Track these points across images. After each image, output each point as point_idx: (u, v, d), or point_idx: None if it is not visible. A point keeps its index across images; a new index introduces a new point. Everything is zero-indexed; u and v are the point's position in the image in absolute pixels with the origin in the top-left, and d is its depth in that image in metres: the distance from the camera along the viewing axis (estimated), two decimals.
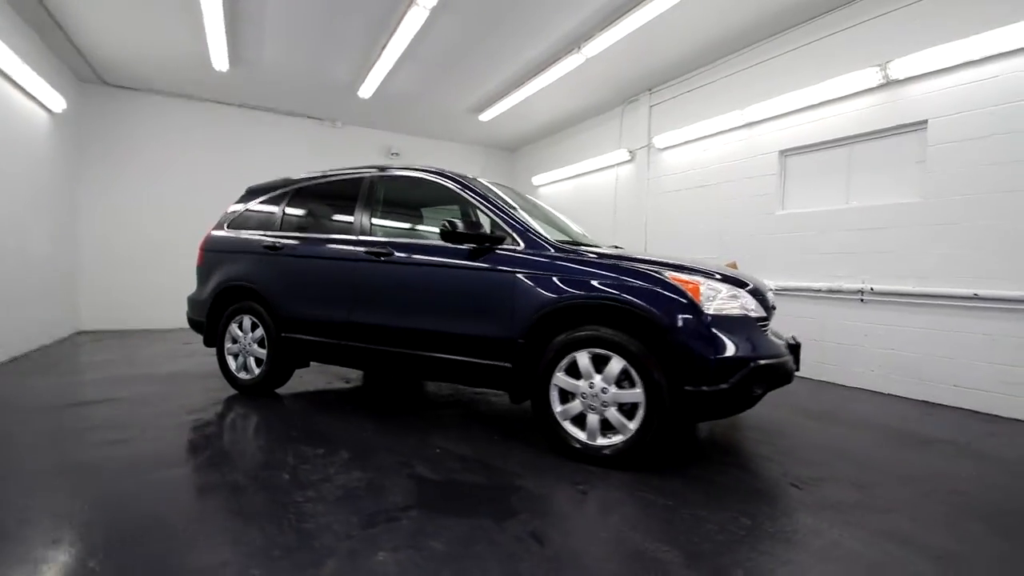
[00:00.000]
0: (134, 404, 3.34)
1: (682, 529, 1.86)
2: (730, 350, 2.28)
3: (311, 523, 1.83)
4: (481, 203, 2.96)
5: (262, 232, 3.73)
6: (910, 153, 4.16)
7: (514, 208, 2.97)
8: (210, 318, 3.84)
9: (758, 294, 2.61)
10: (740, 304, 2.46)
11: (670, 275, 2.40)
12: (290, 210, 3.73)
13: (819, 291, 4.70)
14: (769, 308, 2.67)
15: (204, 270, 3.99)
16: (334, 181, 3.64)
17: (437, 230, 3.78)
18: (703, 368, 2.25)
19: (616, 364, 2.37)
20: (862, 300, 4.41)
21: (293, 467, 2.35)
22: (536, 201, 3.84)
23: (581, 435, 2.48)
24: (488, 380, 2.76)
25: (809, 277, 4.79)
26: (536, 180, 9.02)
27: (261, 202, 3.92)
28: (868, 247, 4.37)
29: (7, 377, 4.05)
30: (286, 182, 3.87)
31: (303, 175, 3.85)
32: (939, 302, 3.89)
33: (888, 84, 4.20)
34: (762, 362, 2.32)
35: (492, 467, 2.43)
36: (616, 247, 3.14)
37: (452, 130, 8.77)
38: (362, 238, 3.23)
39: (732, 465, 2.57)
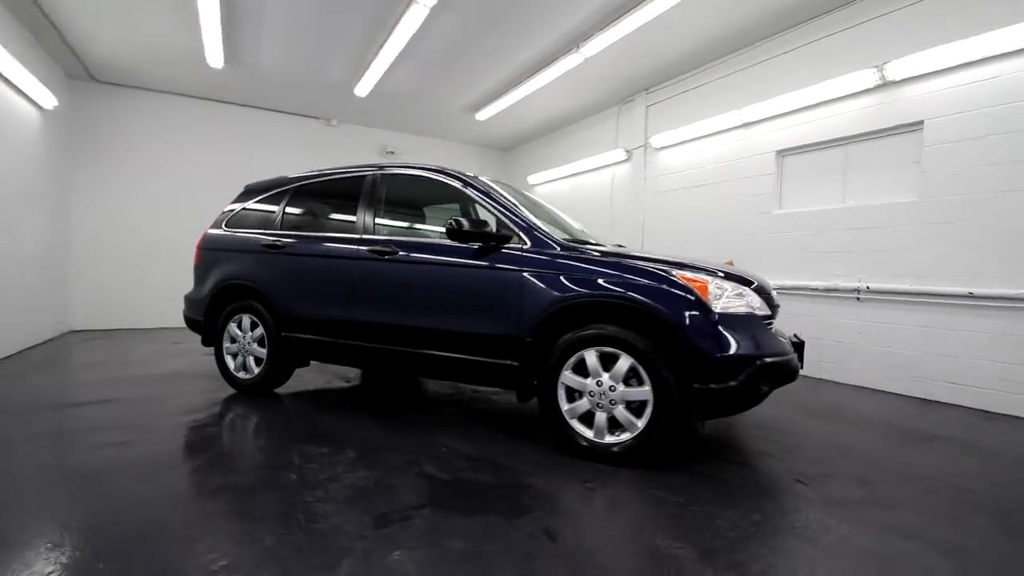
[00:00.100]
0: (133, 405, 3.29)
1: (694, 526, 1.87)
2: (738, 348, 2.29)
3: (322, 523, 1.82)
4: (487, 202, 2.95)
5: (262, 230, 3.69)
6: (907, 153, 4.21)
7: (519, 206, 2.96)
8: (208, 317, 3.80)
9: (763, 292, 2.63)
10: (746, 302, 2.47)
11: (678, 274, 2.41)
12: (291, 208, 3.69)
13: (816, 290, 4.74)
14: (774, 306, 2.69)
15: (202, 269, 3.94)
16: (335, 179, 3.61)
17: (441, 228, 3.80)
18: (712, 366, 2.26)
19: (624, 362, 2.38)
20: (858, 299, 4.46)
21: (299, 467, 2.33)
22: (536, 199, 3.84)
23: (588, 433, 2.48)
24: (495, 379, 2.75)
25: (806, 276, 4.84)
26: (532, 179, 9.03)
27: (260, 200, 3.88)
28: (865, 246, 4.42)
29: (1, 377, 3.98)
30: (286, 180, 3.84)
31: (303, 173, 3.81)
32: (935, 300, 3.95)
33: (885, 85, 4.25)
34: (768, 360, 2.34)
35: (500, 465, 2.43)
36: (619, 246, 3.15)
37: (448, 129, 8.75)
38: (366, 236, 3.21)
39: (736, 462, 2.59)
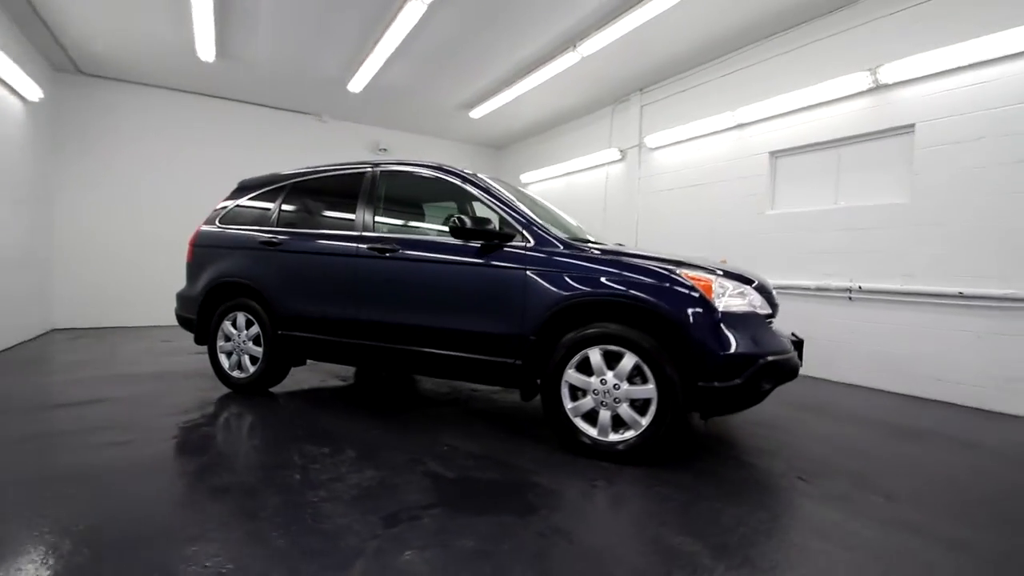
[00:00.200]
0: (127, 404, 3.22)
1: (703, 523, 1.88)
2: (741, 346, 2.31)
3: (330, 524, 1.79)
4: (490, 199, 2.94)
5: (257, 227, 3.63)
6: (898, 155, 4.29)
7: (522, 204, 2.95)
8: (201, 315, 3.73)
9: (763, 290, 2.66)
10: (748, 301, 2.50)
11: (683, 272, 2.42)
12: (287, 205, 3.64)
13: (808, 289, 4.81)
14: (774, 304, 2.72)
15: (194, 266, 3.86)
16: (333, 176, 3.56)
17: (441, 226, 3.78)
18: (716, 364, 2.27)
19: (629, 360, 2.39)
20: (850, 298, 4.54)
21: (302, 467, 2.30)
22: (534, 196, 3.83)
23: (592, 431, 2.49)
24: (498, 377, 2.74)
25: (798, 276, 4.90)
26: (525, 178, 9.02)
27: (255, 197, 3.82)
28: (857, 247, 4.49)
29: None
30: (282, 176, 3.78)
31: (299, 169, 3.76)
32: (926, 300, 4.03)
33: (877, 88, 4.33)
34: (770, 358, 2.36)
35: (504, 463, 2.42)
36: (619, 244, 3.16)
37: (441, 126, 8.71)
38: (366, 234, 3.17)
39: (737, 459, 2.62)
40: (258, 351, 3.50)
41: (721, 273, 2.54)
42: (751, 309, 2.48)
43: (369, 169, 3.39)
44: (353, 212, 3.29)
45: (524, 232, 2.75)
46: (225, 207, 3.93)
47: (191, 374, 4.13)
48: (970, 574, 1.63)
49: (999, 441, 3.05)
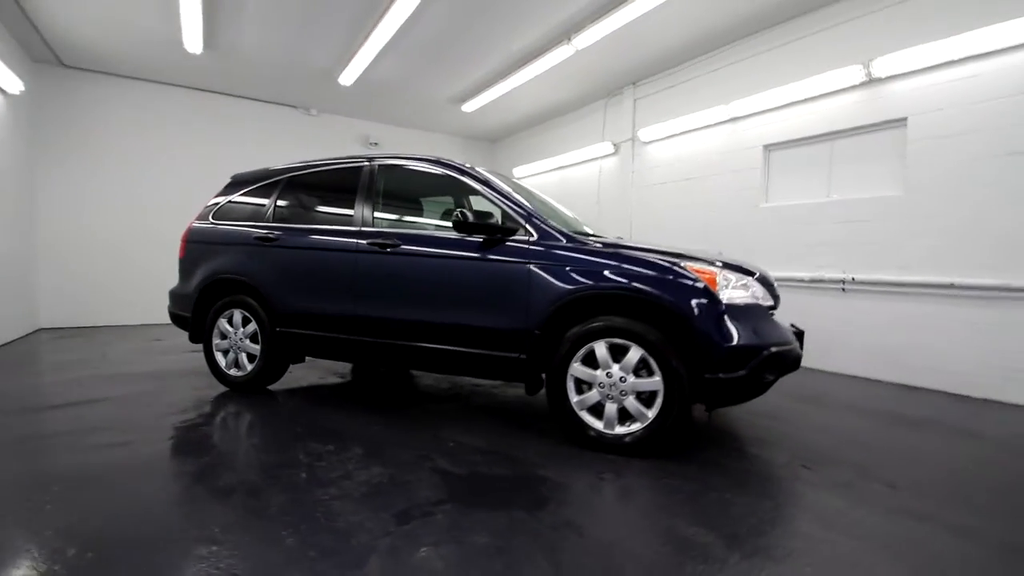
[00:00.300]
0: (123, 404, 3.16)
1: (714, 513, 1.90)
2: (746, 338, 2.33)
3: (342, 521, 1.78)
4: (492, 194, 2.92)
5: (253, 223, 3.57)
6: (891, 149, 4.34)
7: (524, 199, 2.94)
8: (196, 313, 3.66)
9: (765, 282, 2.68)
10: (751, 293, 2.51)
11: (688, 265, 2.43)
12: (283, 200, 3.58)
13: (802, 281, 4.86)
14: (776, 296, 2.74)
15: (188, 263, 3.79)
16: (330, 170, 3.51)
17: (439, 221, 3.76)
18: (721, 356, 2.29)
19: (635, 353, 2.39)
20: (844, 289, 4.60)
21: (308, 465, 2.27)
22: (532, 190, 3.81)
23: (598, 424, 2.49)
24: (502, 372, 2.74)
25: (792, 268, 4.95)
26: (517, 172, 8.99)
27: (249, 192, 3.75)
28: (850, 239, 4.54)
29: None
30: (277, 171, 3.71)
31: (294, 164, 3.70)
32: (919, 291, 4.09)
33: (870, 82, 4.36)
34: (774, 349, 2.38)
35: (511, 458, 2.42)
36: (619, 238, 3.16)
37: (433, 120, 8.63)
38: (365, 229, 3.14)
39: (740, 449, 2.64)
40: (255, 349, 3.45)
41: (723, 265, 2.56)
42: (754, 301, 2.50)
43: (367, 163, 3.35)
44: (352, 207, 3.25)
45: (527, 226, 2.73)
46: (218, 203, 3.86)
47: (186, 373, 4.06)
48: (977, 562, 1.66)
49: (997, 429, 3.11)
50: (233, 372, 3.55)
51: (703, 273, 2.41)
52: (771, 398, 3.61)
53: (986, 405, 3.63)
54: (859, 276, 4.47)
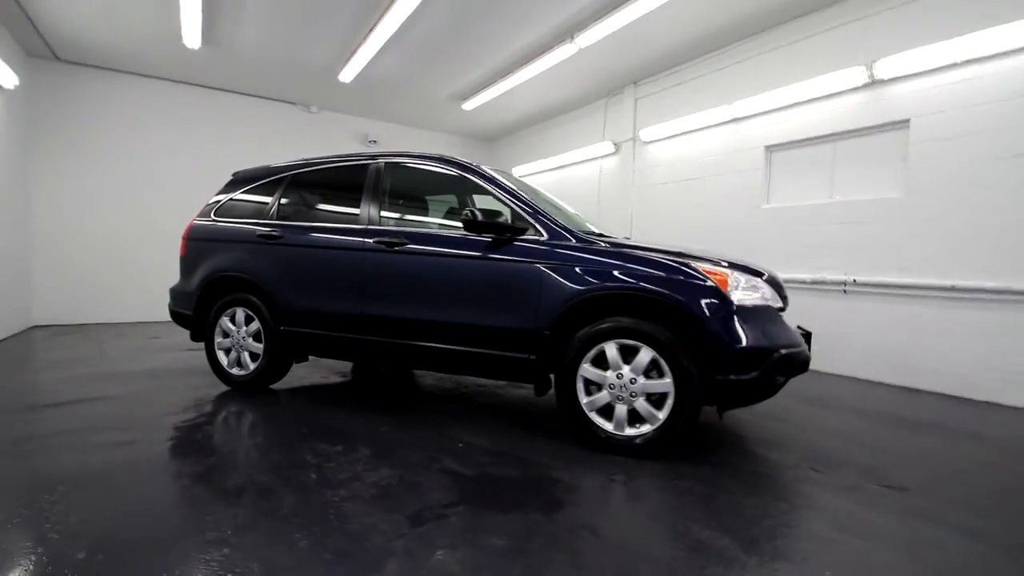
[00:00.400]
0: (124, 403, 3.12)
1: (727, 516, 1.90)
2: (757, 339, 2.32)
3: (355, 523, 1.76)
4: (501, 193, 2.90)
5: (256, 220, 3.53)
6: (893, 150, 4.36)
7: (534, 198, 2.93)
8: (198, 311, 3.62)
9: (774, 283, 2.68)
10: (761, 294, 2.51)
11: (699, 266, 2.42)
12: (287, 198, 3.54)
13: (804, 282, 4.88)
14: (784, 297, 2.74)
15: (189, 260, 3.75)
16: (335, 168, 3.48)
17: (445, 220, 3.74)
18: (733, 357, 2.28)
19: (646, 355, 2.38)
20: (845, 291, 4.62)
21: (317, 466, 2.25)
22: (537, 189, 3.80)
23: (608, 426, 2.49)
24: (511, 372, 2.72)
25: (794, 269, 4.96)
26: (517, 171, 8.97)
27: (252, 190, 3.71)
28: (852, 240, 4.56)
29: None
30: (280, 169, 3.68)
31: (298, 161, 3.66)
32: (920, 293, 4.12)
33: (873, 83, 4.38)
34: (784, 351, 2.38)
35: (521, 460, 2.41)
36: (626, 238, 3.15)
37: (432, 118, 8.59)
38: (372, 227, 3.11)
39: (749, 451, 2.64)
40: (259, 348, 3.41)
41: (732, 266, 2.56)
42: (764, 302, 2.50)
43: (373, 161, 3.32)
44: (357, 205, 3.22)
45: (537, 226, 2.72)
46: (219, 200, 3.82)
47: (186, 371, 4.02)
48: (990, 564, 1.66)
49: (998, 432, 3.13)
50: (235, 371, 3.51)
51: (714, 274, 2.40)
52: (776, 399, 3.59)
53: (987, 408, 3.66)
54: (860, 278, 4.49)
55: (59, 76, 6.31)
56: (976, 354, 3.82)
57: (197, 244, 3.73)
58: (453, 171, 3.10)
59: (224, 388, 3.53)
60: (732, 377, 2.30)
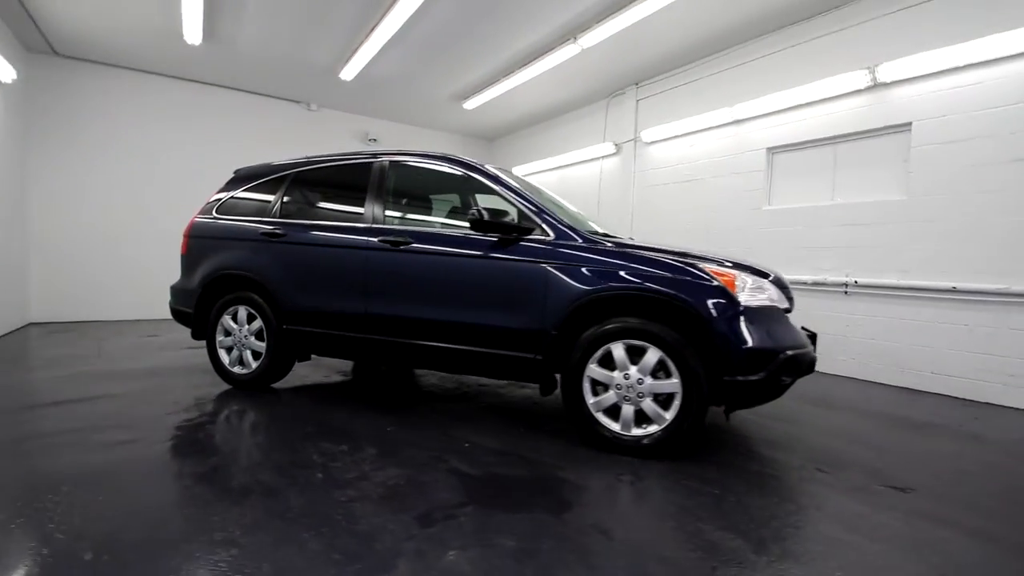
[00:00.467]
0: (125, 402, 3.09)
1: (736, 516, 1.90)
2: (765, 340, 2.33)
3: (364, 524, 1.75)
4: (507, 193, 2.89)
5: (259, 218, 3.51)
6: (895, 153, 4.38)
7: (541, 198, 2.92)
8: (199, 309, 3.60)
9: (780, 284, 2.68)
10: (767, 295, 2.51)
11: (706, 267, 2.42)
12: (291, 196, 3.52)
13: (805, 284, 4.89)
14: (790, 298, 2.75)
15: (191, 258, 3.72)
16: (339, 166, 3.46)
17: (450, 219, 3.73)
18: (740, 358, 2.29)
19: (653, 355, 2.38)
20: (846, 292, 4.63)
21: (323, 465, 2.24)
22: (541, 188, 3.80)
23: (615, 426, 2.48)
24: (517, 372, 2.71)
25: (795, 270, 4.97)
26: (516, 171, 8.92)
27: (254, 187, 3.69)
28: (853, 242, 4.58)
29: None
30: (283, 166, 3.66)
31: (301, 159, 3.64)
32: (920, 295, 4.14)
33: (875, 86, 4.40)
34: (790, 352, 2.38)
35: (527, 460, 2.40)
36: (631, 238, 3.15)
37: (432, 117, 8.57)
38: (377, 226, 3.09)
39: (754, 452, 2.65)
40: (261, 346, 3.39)
41: (739, 266, 2.56)
42: (771, 303, 2.50)
43: (377, 160, 3.30)
44: (362, 203, 3.21)
45: (543, 226, 2.71)
46: (220, 198, 3.79)
47: (186, 370, 3.99)
48: (999, 565, 1.67)
49: (999, 433, 3.14)
50: (237, 369, 3.49)
51: (721, 275, 2.41)
52: (779, 400, 3.57)
53: (987, 409, 3.68)
54: (861, 279, 4.51)
55: (58, 71, 6.25)
56: (976, 355, 3.84)
57: (198, 242, 3.70)
58: (459, 170, 3.09)
59: (225, 387, 3.51)
60: (739, 378, 2.30)
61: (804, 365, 2.48)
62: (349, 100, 7.79)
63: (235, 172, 3.92)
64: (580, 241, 2.65)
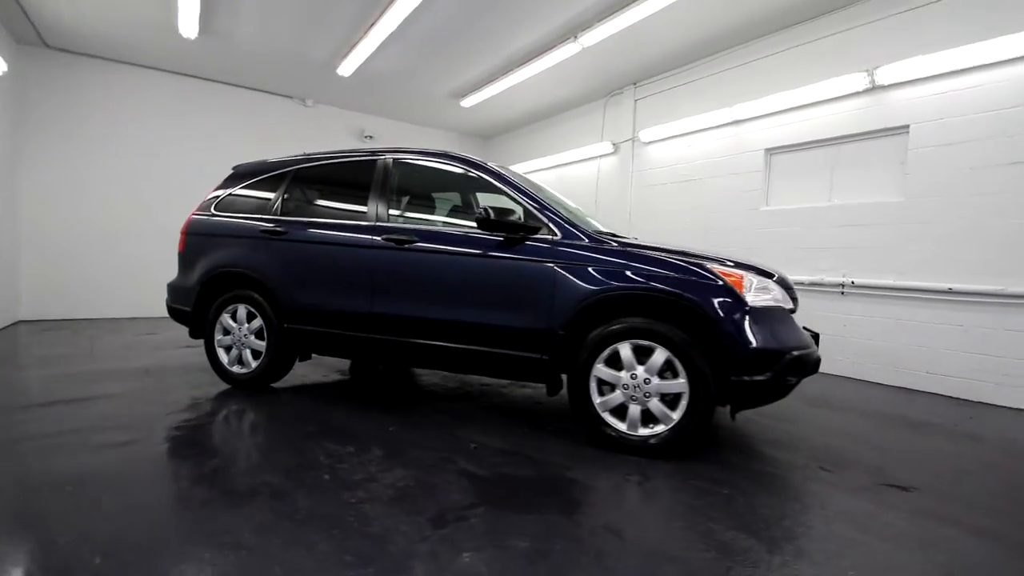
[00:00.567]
0: (123, 402, 3.05)
1: (746, 516, 1.90)
2: (771, 340, 2.34)
3: (376, 526, 1.73)
4: (514, 192, 2.88)
5: (259, 216, 3.47)
6: (892, 155, 4.42)
7: (547, 197, 2.92)
8: (197, 307, 3.55)
9: (784, 284, 2.70)
10: (772, 295, 2.53)
11: (714, 267, 2.43)
12: (292, 193, 3.48)
13: (802, 284, 4.92)
14: (795, 298, 2.76)
15: (188, 255, 3.67)
16: (341, 163, 3.43)
17: (456, 217, 3.70)
18: (747, 358, 2.30)
19: (660, 355, 2.39)
20: (843, 293, 4.68)
21: (330, 467, 2.21)
22: (542, 186, 3.78)
23: (621, 426, 2.48)
24: (523, 372, 2.71)
25: (792, 271, 4.99)
26: (514, 169, 8.92)
27: (254, 184, 3.65)
28: (850, 243, 4.62)
29: None
30: (283, 163, 3.62)
31: (302, 156, 3.60)
32: (916, 295, 4.19)
33: (873, 89, 4.44)
34: (796, 352, 2.39)
35: (535, 460, 2.40)
36: (635, 238, 3.15)
37: (429, 115, 8.53)
38: (381, 224, 3.07)
39: (758, 451, 2.66)
40: (261, 345, 3.36)
41: (739, 266, 2.56)
42: (776, 303, 2.51)
43: (381, 157, 3.28)
44: (365, 201, 3.18)
45: (550, 225, 2.71)
46: (219, 195, 3.74)
47: (183, 369, 3.94)
48: (1007, 565, 1.69)
49: (995, 433, 3.19)
50: (236, 369, 3.45)
51: (728, 275, 2.41)
52: (779, 400, 3.65)
53: (982, 408, 3.73)
54: (858, 280, 4.55)
55: (48, 64, 6.14)
56: (971, 355, 3.89)
57: (197, 239, 3.65)
58: (465, 169, 3.08)
59: (224, 386, 3.47)
60: (746, 378, 2.31)
61: (809, 365, 2.50)
62: (346, 96, 7.73)
63: (234, 168, 3.87)
64: (586, 241, 2.65)
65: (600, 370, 2.50)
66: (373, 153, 3.33)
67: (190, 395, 3.24)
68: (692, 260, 2.48)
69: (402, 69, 6.48)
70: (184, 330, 3.67)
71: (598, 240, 2.65)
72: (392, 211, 3.15)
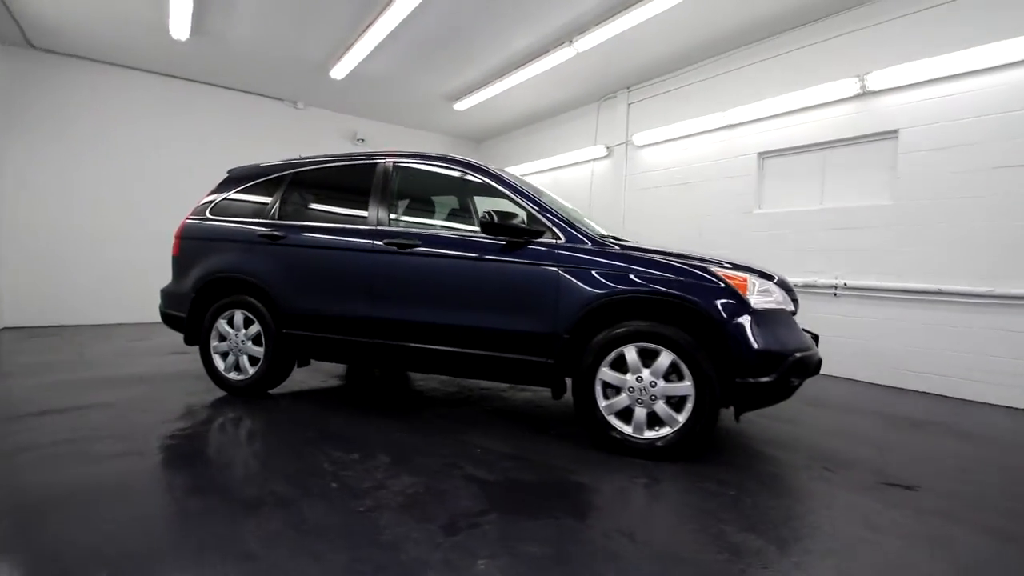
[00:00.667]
0: (117, 411, 2.98)
1: (755, 517, 1.92)
2: (775, 342, 2.37)
3: (388, 534, 1.71)
4: (516, 196, 2.88)
5: (256, 220, 3.43)
6: (882, 159, 4.50)
7: (550, 201, 2.92)
8: (192, 313, 3.49)
9: (784, 286, 2.73)
10: (775, 298, 2.55)
11: (717, 270, 2.45)
12: (290, 197, 3.45)
13: (795, 286, 4.96)
14: (795, 300, 2.80)
15: (182, 261, 3.61)
16: (341, 167, 3.41)
17: (457, 221, 3.69)
18: (751, 360, 2.31)
19: (666, 358, 2.40)
20: (835, 295, 4.75)
21: (335, 474, 2.19)
22: (542, 189, 3.78)
23: (627, 429, 2.49)
24: (528, 376, 2.70)
25: (784, 273, 4.96)
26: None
27: (250, 188, 3.60)
28: (842, 246, 4.70)
29: None
30: (280, 167, 3.58)
31: (298, 159, 3.57)
32: (907, 297, 4.26)
33: (864, 94, 4.52)
34: (799, 354, 2.42)
35: (542, 464, 2.39)
36: (636, 241, 3.16)
37: (422, 118, 8.50)
38: (382, 228, 3.04)
39: (760, 452, 2.68)
40: (258, 351, 3.31)
41: (737, 267, 2.58)
42: (778, 305, 2.54)
43: (380, 161, 3.26)
44: (364, 205, 3.16)
45: (553, 228, 2.71)
46: (214, 199, 3.69)
47: (177, 376, 3.87)
48: (1017, 562, 1.72)
49: (987, 430, 3.26)
50: (233, 376, 3.40)
51: (732, 278, 2.43)
52: None
53: (972, 406, 3.80)
54: (850, 282, 4.62)
55: (33, 65, 6.01)
56: (960, 355, 3.97)
57: (191, 244, 3.60)
58: (466, 173, 3.07)
59: (221, 393, 3.41)
60: (751, 380, 2.33)
61: (811, 367, 2.53)
62: (337, 99, 7.68)
63: (229, 172, 3.82)
64: (590, 244, 2.65)
65: (605, 373, 2.50)
66: (372, 157, 3.31)
67: (186, 402, 3.19)
68: (695, 263, 2.49)
69: (396, 72, 6.46)
70: (176, 336, 3.61)
71: (601, 243, 2.66)
72: (392, 215, 3.13)
